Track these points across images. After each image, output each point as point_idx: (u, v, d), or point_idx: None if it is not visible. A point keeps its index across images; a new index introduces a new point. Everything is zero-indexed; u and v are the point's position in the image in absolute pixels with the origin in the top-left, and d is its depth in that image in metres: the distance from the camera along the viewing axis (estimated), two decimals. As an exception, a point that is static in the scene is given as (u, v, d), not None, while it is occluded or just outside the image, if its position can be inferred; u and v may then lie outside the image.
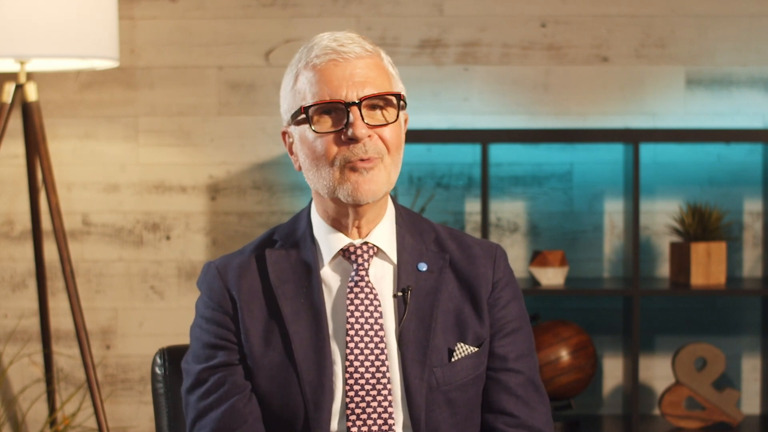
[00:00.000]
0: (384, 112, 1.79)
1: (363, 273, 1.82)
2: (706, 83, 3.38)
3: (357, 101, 1.75)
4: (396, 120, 1.79)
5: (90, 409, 3.41)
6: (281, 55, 3.39)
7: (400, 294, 1.82)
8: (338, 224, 1.84)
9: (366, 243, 1.83)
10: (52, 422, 3.37)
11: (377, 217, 1.85)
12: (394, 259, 1.85)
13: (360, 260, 1.82)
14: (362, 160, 1.76)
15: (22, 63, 3.07)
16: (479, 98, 3.39)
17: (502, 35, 3.38)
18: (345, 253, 1.83)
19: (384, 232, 1.85)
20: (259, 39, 3.40)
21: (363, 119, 1.75)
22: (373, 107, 1.78)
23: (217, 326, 1.83)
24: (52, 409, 3.36)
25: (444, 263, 1.85)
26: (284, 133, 1.86)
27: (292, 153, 1.85)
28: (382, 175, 1.78)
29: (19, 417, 3.46)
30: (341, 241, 1.83)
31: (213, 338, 1.82)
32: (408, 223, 1.89)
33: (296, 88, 1.80)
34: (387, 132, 1.78)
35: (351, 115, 1.75)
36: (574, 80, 3.38)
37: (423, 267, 1.85)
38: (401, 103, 1.80)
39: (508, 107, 3.39)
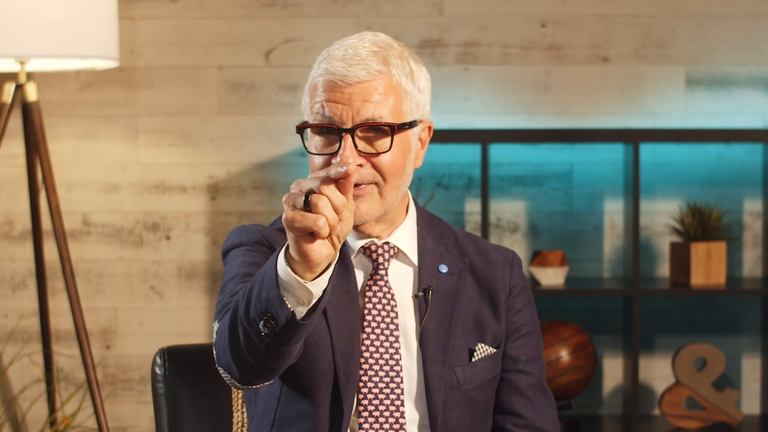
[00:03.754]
0: (380, 141, 1.76)
1: (383, 272, 1.82)
2: (706, 83, 3.38)
3: (350, 128, 1.73)
4: (389, 149, 1.75)
5: (90, 409, 3.41)
6: (281, 55, 3.39)
7: (421, 294, 1.83)
8: (355, 227, 1.84)
9: (387, 243, 1.84)
10: (52, 422, 3.37)
11: (394, 222, 1.85)
12: (415, 261, 1.86)
13: (381, 260, 1.83)
14: None
15: (22, 63, 3.07)
16: (479, 98, 3.39)
17: (502, 35, 3.38)
18: (366, 251, 1.84)
19: (406, 234, 1.86)
20: (259, 39, 3.40)
21: (356, 146, 1.74)
22: (370, 132, 1.76)
23: (262, 254, 1.81)
24: (52, 409, 3.37)
25: (464, 266, 1.87)
26: None
27: None
28: (372, 201, 1.77)
29: (19, 417, 3.46)
30: (363, 238, 1.83)
31: (259, 259, 1.79)
32: (429, 225, 1.90)
33: (307, 96, 1.80)
34: (381, 160, 1.76)
35: (342, 142, 1.73)
36: (574, 80, 3.38)
37: (444, 269, 1.86)
38: (400, 129, 1.77)
39: (508, 107, 3.39)
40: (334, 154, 1.75)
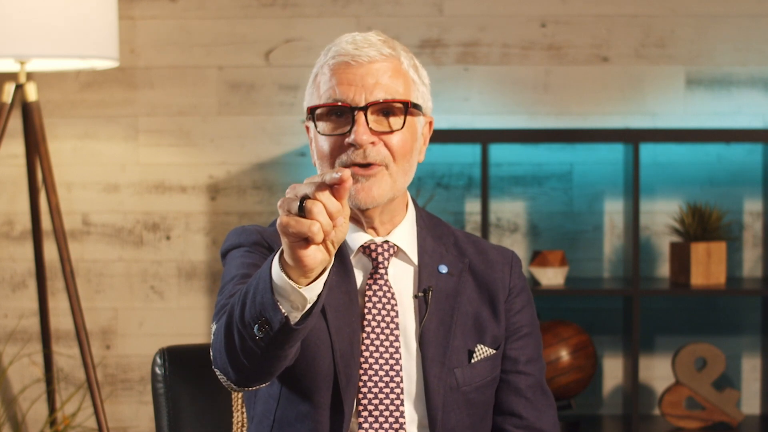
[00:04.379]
0: (392, 118, 1.78)
1: (383, 271, 1.82)
2: (706, 83, 3.38)
3: (363, 106, 1.75)
4: (402, 127, 1.77)
5: (90, 409, 3.41)
6: (281, 55, 3.39)
7: (421, 294, 1.83)
8: (356, 221, 1.84)
9: (387, 242, 1.84)
10: (52, 422, 3.37)
11: (395, 217, 1.85)
12: (415, 260, 1.86)
13: (380, 258, 1.83)
14: (362, 166, 1.76)
15: (22, 63, 3.07)
16: (479, 98, 3.39)
17: (502, 35, 3.38)
18: (366, 250, 1.84)
19: (405, 233, 1.86)
20: (259, 39, 3.40)
21: (368, 124, 1.75)
22: (382, 112, 1.77)
23: (261, 254, 1.81)
24: (52, 409, 3.37)
25: (464, 267, 1.87)
26: (307, 127, 1.87)
27: (311, 147, 1.85)
28: (384, 183, 1.78)
29: (19, 417, 3.46)
30: (362, 237, 1.83)
31: (258, 260, 1.80)
32: (429, 225, 1.90)
33: (314, 87, 1.81)
34: (393, 139, 1.77)
35: (356, 119, 1.75)
36: (574, 80, 3.38)
37: (444, 269, 1.86)
38: (412, 110, 1.79)
39: (508, 107, 3.39)
40: (345, 135, 1.76)
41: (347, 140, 1.75)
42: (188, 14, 3.40)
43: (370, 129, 1.75)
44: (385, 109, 1.77)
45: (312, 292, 1.52)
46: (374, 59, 1.77)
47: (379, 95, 1.76)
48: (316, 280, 1.51)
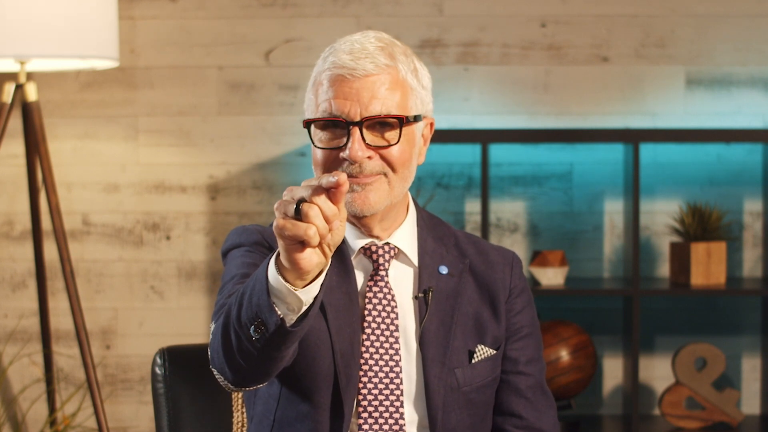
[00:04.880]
0: (389, 132, 1.77)
1: (383, 273, 1.82)
2: (706, 83, 3.38)
3: (358, 121, 1.74)
4: (398, 141, 1.76)
5: (90, 409, 3.41)
6: (281, 55, 3.40)
7: (421, 295, 1.83)
8: (357, 227, 1.84)
9: (387, 243, 1.84)
10: (52, 422, 3.37)
11: (396, 221, 1.85)
12: (415, 262, 1.86)
13: (381, 260, 1.83)
14: (357, 177, 1.75)
15: (22, 63, 3.07)
16: (479, 98, 3.39)
17: (502, 35, 3.38)
18: (366, 251, 1.84)
19: (406, 235, 1.86)
20: (259, 39, 3.40)
21: (364, 139, 1.74)
22: (378, 126, 1.76)
23: (261, 254, 1.81)
24: (52, 409, 3.37)
25: (464, 267, 1.87)
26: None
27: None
28: (381, 191, 1.77)
29: (19, 417, 3.46)
30: (363, 239, 1.83)
31: (258, 260, 1.80)
32: (429, 225, 1.90)
33: (312, 93, 1.80)
34: (390, 153, 1.77)
35: (351, 135, 1.74)
36: (574, 80, 3.38)
37: (444, 270, 1.86)
38: (408, 122, 1.78)
39: (508, 107, 3.39)
40: (341, 148, 1.75)
41: (342, 155, 1.75)
42: (188, 14, 3.41)
43: (366, 144, 1.75)
44: (381, 122, 1.77)
45: (308, 294, 1.52)
46: (370, 73, 1.75)
47: (375, 109, 1.74)
48: (312, 282, 1.51)
